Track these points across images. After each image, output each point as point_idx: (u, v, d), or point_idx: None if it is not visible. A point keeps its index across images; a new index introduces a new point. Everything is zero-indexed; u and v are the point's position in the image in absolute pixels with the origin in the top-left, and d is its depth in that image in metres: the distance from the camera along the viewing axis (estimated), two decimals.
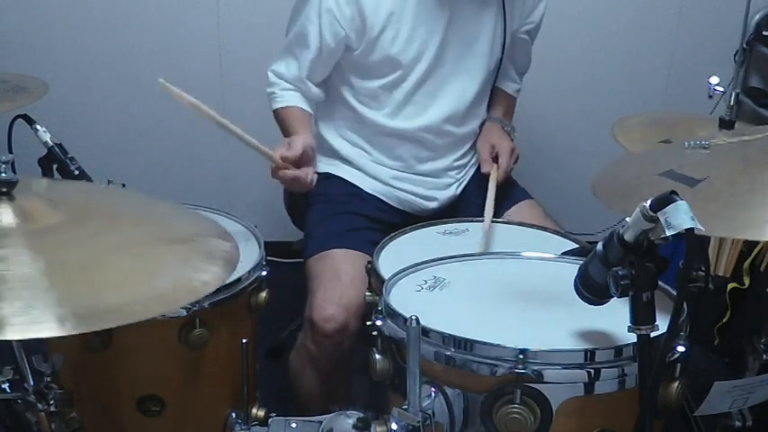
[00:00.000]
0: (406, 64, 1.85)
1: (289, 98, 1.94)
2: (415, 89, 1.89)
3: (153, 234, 1.24)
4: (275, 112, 1.96)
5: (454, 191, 2.00)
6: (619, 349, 1.21)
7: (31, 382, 1.26)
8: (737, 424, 1.44)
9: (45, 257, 1.06)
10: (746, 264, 2.13)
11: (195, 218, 1.42)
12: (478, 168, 2.00)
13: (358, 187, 1.98)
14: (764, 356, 1.47)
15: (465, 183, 2.03)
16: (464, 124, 1.97)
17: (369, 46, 1.84)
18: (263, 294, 1.60)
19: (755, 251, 2.13)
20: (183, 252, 1.19)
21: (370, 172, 1.98)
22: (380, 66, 1.87)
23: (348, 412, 1.23)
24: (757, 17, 2.86)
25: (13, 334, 0.95)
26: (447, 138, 1.96)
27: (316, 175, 1.82)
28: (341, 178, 1.99)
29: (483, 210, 1.89)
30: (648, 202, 1.05)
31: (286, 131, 1.90)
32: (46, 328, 0.95)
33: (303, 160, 1.77)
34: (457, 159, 2.00)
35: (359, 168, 1.98)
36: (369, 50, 1.84)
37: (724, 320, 2.15)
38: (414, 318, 1.11)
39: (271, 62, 1.97)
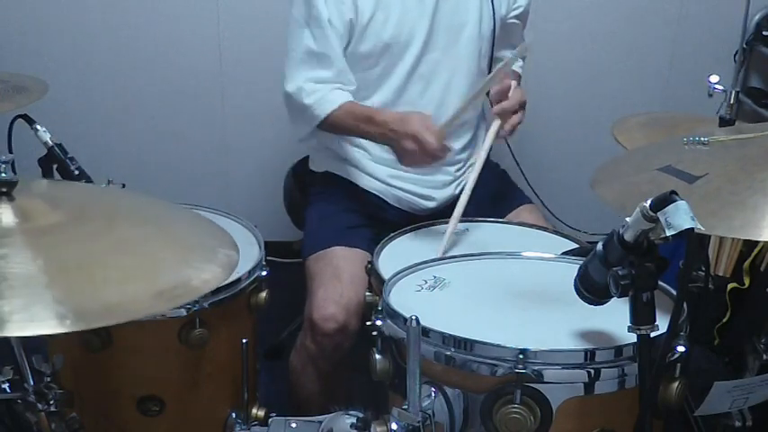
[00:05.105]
0: (397, 49, 1.87)
1: (340, 96, 1.84)
2: (408, 75, 1.90)
3: (153, 234, 1.24)
4: (327, 118, 1.84)
5: (453, 190, 1.99)
6: (619, 349, 1.21)
7: (31, 382, 1.26)
8: (737, 424, 1.44)
9: (44, 256, 1.06)
10: (746, 264, 2.13)
11: (195, 219, 1.41)
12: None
13: (357, 186, 1.98)
14: (764, 356, 1.48)
15: (464, 183, 2.02)
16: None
17: (361, 32, 1.85)
18: (263, 294, 1.61)
19: (755, 251, 2.13)
20: (183, 252, 1.19)
21: (369, 170, 1.97)
22: (374, 54, 1.88)
23: (348, 412, 1.23)
24: (757, 17, 2.86)
25: (13, 331, 0.95)
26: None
27: None
28: (340, 177, 1.99)
29: (483, 210, 1.89)
30: (648, 201, 1.05)
31: (365, 124, 1.82)
32: (45, 325, 0.95)
33: None
34: (457, 153, 2.00)
35: (358, 167, 1.98)
36: (361, 38, 1.86)
37: (724, 320, 2.15)
38: (414, 318, 1.11)
39: (287, 82, 1.86)
